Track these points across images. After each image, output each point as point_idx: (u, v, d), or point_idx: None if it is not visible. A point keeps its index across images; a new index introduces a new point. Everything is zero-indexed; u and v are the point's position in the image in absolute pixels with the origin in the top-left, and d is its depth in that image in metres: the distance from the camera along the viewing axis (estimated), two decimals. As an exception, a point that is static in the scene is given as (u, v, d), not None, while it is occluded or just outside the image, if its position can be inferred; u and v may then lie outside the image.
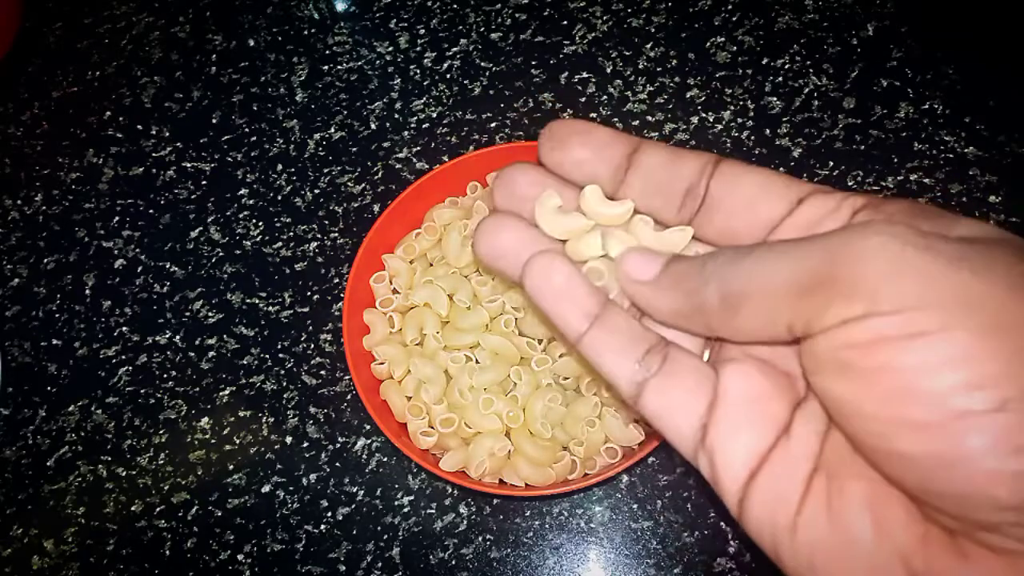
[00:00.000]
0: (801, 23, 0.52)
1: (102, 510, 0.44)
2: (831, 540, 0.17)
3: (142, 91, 0.57)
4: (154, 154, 0.55)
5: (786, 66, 0.51)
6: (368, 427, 0.43)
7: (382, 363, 0.41)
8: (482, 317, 0.41)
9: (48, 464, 0.45)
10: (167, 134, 0.55)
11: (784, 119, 0.49)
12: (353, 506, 0.42)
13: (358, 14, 0.58)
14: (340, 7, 0.59)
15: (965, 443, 0.14)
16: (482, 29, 0.55)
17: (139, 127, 0.56)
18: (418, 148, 0.52)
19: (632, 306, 0.21)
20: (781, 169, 0.47)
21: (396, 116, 0.53)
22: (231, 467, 0.44)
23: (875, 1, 0.52)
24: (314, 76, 0.56)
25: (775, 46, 0.51)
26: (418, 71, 0.55)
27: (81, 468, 0.45)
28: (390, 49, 0.56)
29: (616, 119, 0.50)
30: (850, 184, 0.46)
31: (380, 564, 0.40)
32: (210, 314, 0.48)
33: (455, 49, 0.55)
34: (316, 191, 0.51)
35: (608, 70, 0.52)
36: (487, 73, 0.54)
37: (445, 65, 0.54)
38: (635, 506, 0.40)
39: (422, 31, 0.56)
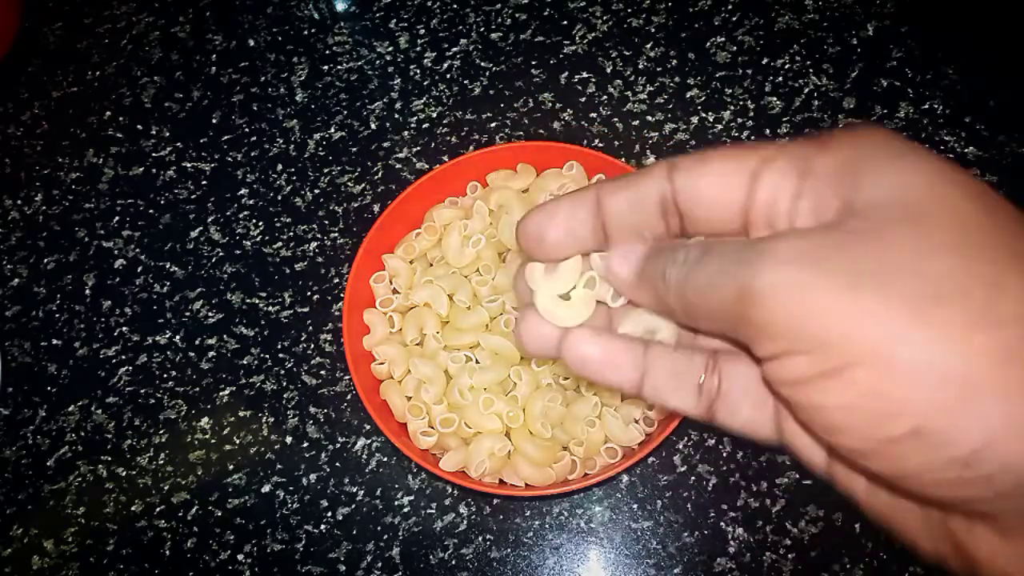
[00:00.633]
0: (801, 23, 0.52)
1: (102, 510, 0.44)
2: (895, 504, 0.18)
3: (142, 91, 0.57)
4: (154, 154, 0.55)
5: (786, 66, 0.51)
6: (368, 427, 0.43)
7: (382, 363, 0.41)
8: (482, 317, 0.41)
9: (48, 464, 0.45)
10: (167, 134, 0.55)
11: (784, 119, 0.49)
12: (353, 506, 0.42)
13: (358, 14, 0.58)
14: (340, 7, 0.59)
15: (903, 464, 0.15)
16: (482, 29, 0.55)
17: (139, 127, 0.56)
18: (418, 148, 0.52)
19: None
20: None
21: (396, 116, 0.53)
22: (231, 467, 0.44)
23: (875, 1, 0.52)
24: (314, 76, 0.56)
25: (775, 46, 0.51)
26: (418, 71, 0.55)
27: (81, 468, 0.45)
28: (390, 49, 0.56)
29: (616, 119, 0.50)
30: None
31: (380, 564, 0.40)
32: (210, 314, 0.48)
33: (455, 49, 0.55)
34: (316, 191, 0.51)
35: (608, 70, 0.52)
36: (487, 73, 0.54)
37: (445, 65, 0.54)
38: (635, 506, 0.40)
39: (422, 31, 0.56)
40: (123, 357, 0.48)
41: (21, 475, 0.45)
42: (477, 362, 0.41)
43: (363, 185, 0.51)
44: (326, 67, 0.56)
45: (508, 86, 0.53)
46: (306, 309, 0.47)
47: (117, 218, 0.53)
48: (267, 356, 0.46)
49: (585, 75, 0.52)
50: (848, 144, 0.17)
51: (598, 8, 0.55)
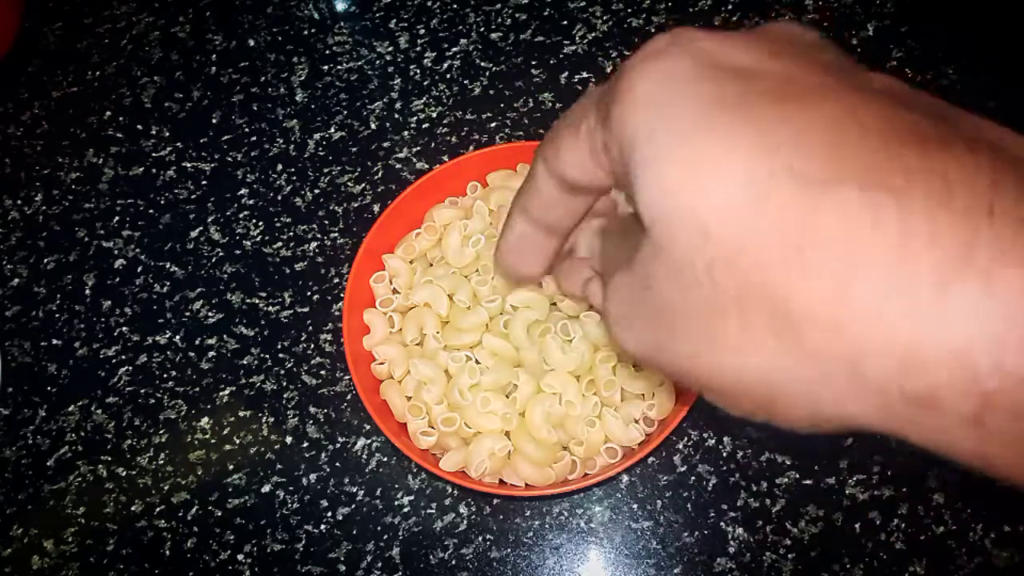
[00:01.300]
0: (801, 23, 0.52)
1: (102, 510, 0.44)
2: None
3: (142, 91, 0.57)
4: (154, 154, 0.55)
5: (786, 66, 0.51)
6: (368, 427, 0.43)
7: (382, 363, 0.41)
8: (482, 317, 0.41)
9: (48, 464, 0.45)
10: (167, 134, 0.55)
11: (784, 119, 0.49)
12: (353, 506, 0.42)
13: (358, 14, 0.58)
14: (340, 7, 0.59)
15: None
16: (482, 29, 0.55)
17: (139, 127, 0.56)
18: (418, 148, 0.52)
19: None
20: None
21: (396, 116, 0.53)
22: (231, 467, 0.44)
23: (875, 1, 0.52)
24: (314, 76, 0.56)
25: (775, 46, 0.51)
26: (418, 71, 0.55)
27: (81, 468, 0.45)
28: (390, 49, 0.56)
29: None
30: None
31: (380, 564, 0.40)
32: (210, 314, 0.48)
33: (455, 49, 0.55)
34: (316, 191, 0.51)
35: (608, 70, 0.52)
36: (487, 73, 0.54)
37: (445, 65, 0.54)
38: (635, 506, 0.40)
39: (422, 31, 0.56)
40: (123, 357, 0.48)
41: (21, 475, 0.45)
42: (477, 362, 0.41)
43: (363, 185, 0.51)
44: (326, 67, 0.56)
45: (508, 86, 0.53)
46: (306, 309, 0.47)
47: (117, 218, 0.53)
48: (267, 356, 0.46)
49: (585, 75, 0.52)
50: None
51: (598, 8, 0.55)
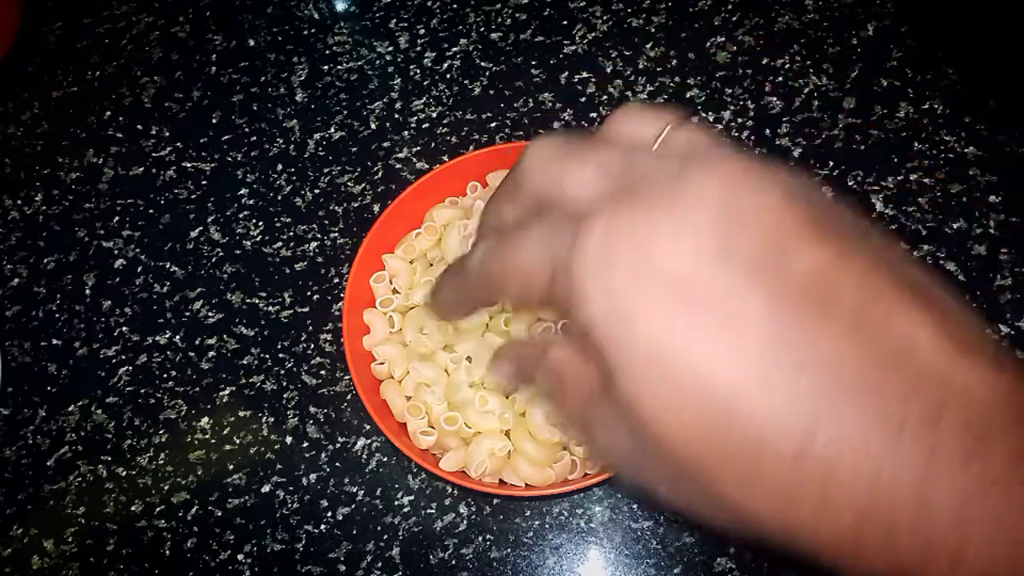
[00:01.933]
0: (801, 23, 0.52)
1: (102, 510, 0.44)
2: None
3: (142, 91, 0.57)
4: (154, 154, 0.55)
5: (786, 66, 0.51)
6: (368, 427, 0.43)
7: (382, 363, 0.41)
8: (482, 316, 0.41)
9: (48, 464, 0.45)
10: (167, 134, 0.55)
11: (784, 119, 0.49)
12: (353, 506, 0.42)
13: (358, 14, 0.58)
14: (340, 7, 0.59)
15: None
16: (482, 29, 0.55)
17: (139, 127, 0.56)
18: (418, 148, 0.52)
19: None
20: (781, 169, 0.47)
21: (396, 116, 0.53)
22: (231, 467, 0.44)
23: (875, 1, 0.52)
24: (314, 76, 0.56)
25: (775, 46, 0.51)
26: (418, 71, 0.55)
27: (81, 468, 0.45)
28: (390, 49, 0.56)
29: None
30: (850, 184, 0.46)
31: (380, 564, 0.40)
32: (210, 314, 0.48)
33: (455, 49, 0.55)
34: (316, 191, 0.51)
35: (608, 70, 0.52)
36: (487, 73, 0.54)
37: (445, 65, 0.54)
38: (635, 506, 0.40)
39: (422, 31, 0.56)
40: (123, 357, 0.48)
41: (21, 475, 0.45)
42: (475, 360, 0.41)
43: (363, 185, 0.51)
44: (326, 67, 0.56)
45: (508, 86, 0.53)
46: (306, 309, 0.47)
47: (117, 218, 0.53)
48: (267, 356, 0.46)
49: (585, 75, 0.52)
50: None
51: (598, 8, 0.55)
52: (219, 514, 0.42)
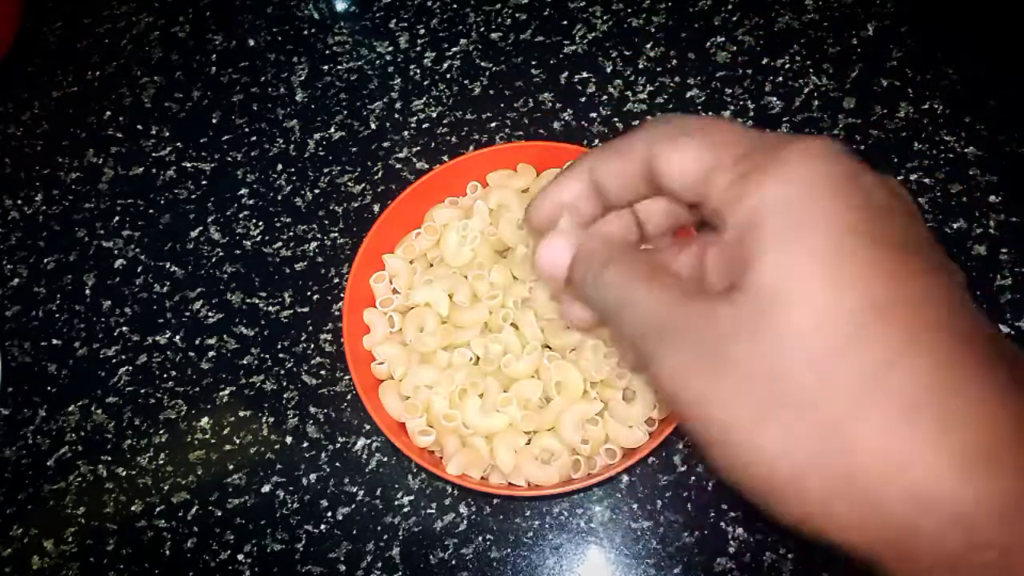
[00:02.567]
0: (801, 23, 0.52)
1: (102, 510, 0.44)
2: None
3: (142, 91, 0.57)
4: (154, 154, 0.55)
5: (786, 66, 0.51)
6: (368, 427, 0.43)
7: (382, 363, 0.41)
8: (482, 314, 0.41)
9: (48, 464, 0.45)
10: (167, 134, 0.55)
11: (784, 119, 0.49)
12: (353, 506, 0.42)
13: (358, 14, 0.58)
14: (340, 7, 0.59)
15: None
16: (482, 29, 0.55)
17: (139, 127, 0.56)
18: (418, 148, 0.52)
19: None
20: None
21: (396, 116, 0.53)
22: (231, 467, 0.44)
23: (875, 1, 0.52)
24: (314, 76, 0.56)
25: (775, 46, 0.51)
26: (418, 71, 0.55)
27: (81, 468, 0.45)
28: (390, 49, 0.56)
29: (616, 119, 0.50)
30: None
31: (380, 564, 0.40)
32: (210, 314, 0.48)
33: (455, 49, 0.55)
34: (316, 191, 0.51)
35: (608, 70, 0.52)
36: (487, 73, 0.54)
37: (445, 65, 0.54)
38: (635, 506, 0.40)
39: (422, 31, 0.56)
40: (123, 357, 0.48)
41: (21, 475, 0.45)
42: (478, 361, 0.41)
43: (363, 185, 0.51)
44: (326, 67, 0.56)
45: (508, 86, 0.53)
46: (306, 309, 0.47)
47: (117, 218, 0.53)
48: (267, 356, 0.46)
49: (585, 75, 0.52)
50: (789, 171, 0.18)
51: (598, 8, 0.55)
52: (219, 514, 0.42)
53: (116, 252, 0.51)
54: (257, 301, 0.48)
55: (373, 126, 0.53)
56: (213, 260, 0.50)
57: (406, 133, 0.52)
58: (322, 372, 0.45)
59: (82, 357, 0.48)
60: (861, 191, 0.16)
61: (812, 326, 0.15)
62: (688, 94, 0.51)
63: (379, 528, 0.41)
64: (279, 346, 0.46)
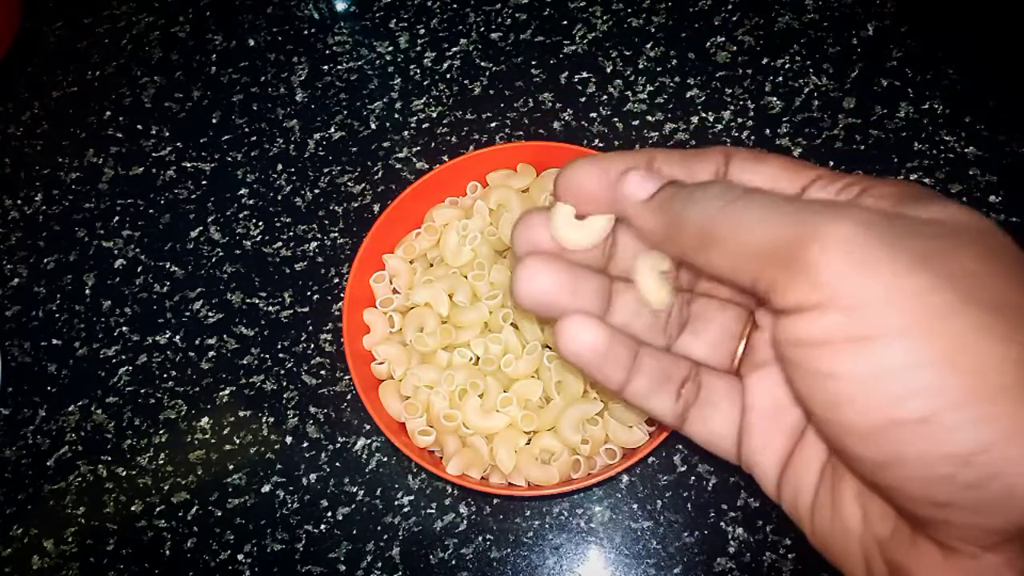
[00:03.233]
0: (801, 23, 0.52)
1: (102, 510, 0.44)
2: (835, 525, 0.19)
3: (142, 91, 0.57)
4: (154, 154, 0.55)
5: (786, 66, 0.51)
6: (368, 427, 0.43)
7: (382, 363, 0.41)
8: (482, 314, 0.41)
9: (48, 464, 0.45)
10: (167, 134, 0.55)
11: (784, 119, 0.49)
12: (353, 506, 0.42)
13: (358, 14, 0.58)
14: (340, 7, 0.59)
15: (899, 449, 0.15)
16: (482, 29, 0.55)
17: (139, 127, 0.56)
18: (418, 148, 0.52)
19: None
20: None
21: (396, 116, 0.53)
22: (231, 467, 0.44)
23: (875, 1, 0.52)
24: (314, 76, 0.56)
25: (775, 46, 0.51)
26: (418, 71, 0.55)
27: (81, 468, 0.45)
28: (390, 49, 0.56)
29: (616, 119, 0.50)
30: (850, 184, 0.46)
31: (380, 564, 0.40)
32: (210, 314, 0.48)
33: (455, 49, 0.55)
34: (316, 191, 0.51)
35: (608, 70, 0.52)
36: (487, 73, 0.54)
37: (445, 65, 0.54)
38: (635, 506, 0.40)
39: (422, 31, 0.56)
40: (123, 357, 0.48)
41: (21, 475, 0.45)
42: (478, 360, 0.41)
43: (363, 185, 0.51)
44: (326, 67, 0.56)
45: (508, 86, 0.53)
46: (306, 309, 0.47)
47: (117, 218, 0.53)
48: (267, 356, 0.46)
49: (585, 75, 0.52)
50: (894, 183, 0.17)
51: (598, 8, 0.55)
52: (219, 514, 0.42)
53: (116, 252, 0.51)
54: (257, 301, 0.48)
55: (373, 126, 0.53)
56: (213, 260, 0.50)
57: (406, 133, 0.52)
58: (322, 372, 0.45)
59: (82, 357, 0.48)
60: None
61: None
62: (688, 94, 0.51)
63: (379, 528, 0.41)
64: (279, 346, 0.46)
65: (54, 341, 0.49)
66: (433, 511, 0.41)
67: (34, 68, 0.60)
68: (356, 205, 0.50)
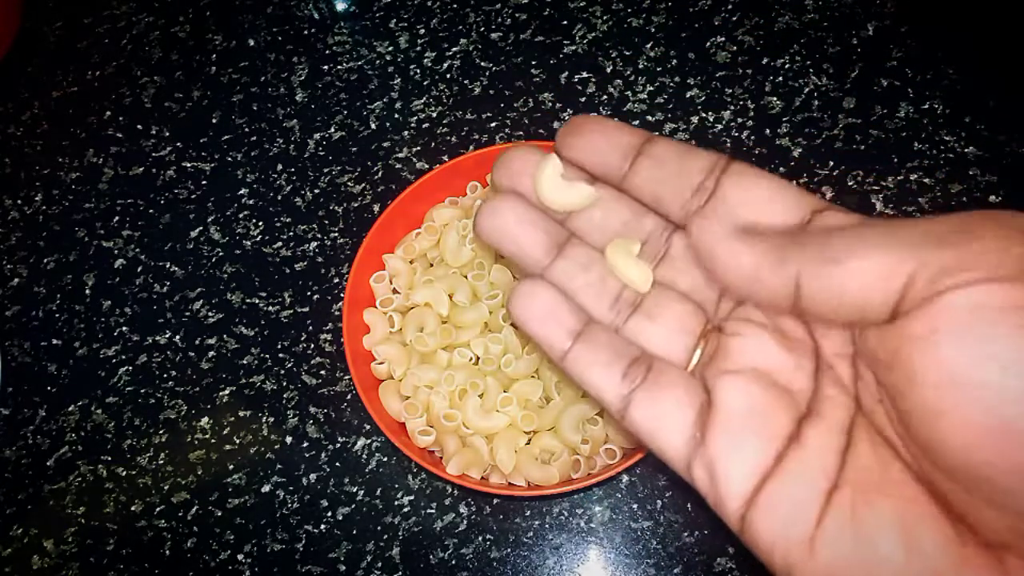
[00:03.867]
0: (801, 23, 0.52)
1: (102, 510, 0.44)
2: (856, 557, 0.16)
3: (142, 91, 0.57)
4: (154, 154, 0.55)
5: (786, 66, 0.51)
6: (368, 427, 0.43)
7: (382, 363, 0.41)
8: (482, 314, 0.41)
9: (48, 464, 0.45)
10: (167, 134, 0.55)
11: (784, 119, 0.49)
12: (353, 506, 0.42)
13: (358, 14, 0.58)
14: (340, 7, 0.59)
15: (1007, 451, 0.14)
16: (482, 29, 0.55)
17: (139, 127, 0.56)
18: (418, 148, 0.52)
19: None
20: (781, 169, 0.47)
21: (396, 116, 0.53)
22: (231, 467, 0.44)
23: (875, 1, 0.52)
24: (314, 76, 0.56)
25: (775, 46, 0.51)
26: (418, 71, 0.55)
27: (81, 468, 0.45)
28: (390, 49, 0.56)
29: (616, 119, 0.50)
30: (850, 184, 0.46)
31: (380, 564, 0.40)
32: (210, 314, 0.48)
33: (455, 49, 0.55)
34: (316, 191, 0.51)
35: (608, 70, 0.52)
36: (487, 73, 0.54)
37: (445, 65, 0.54)
38: (635, 506, 0.40)
39: (422, 31, 0.56)
40: (123, 357, 0.48)
41: (21, 475, 0.45)
42: (478, 361, 0.41)
43: (363, 185, 0.51)
44: (326, 67, 0.56)
45: (508, 86, 0.53)
46: (306, 309, 0.47)
47: (117, 218, 0.53)
48: (267, 356, 0.46)
49: (585, 75, 0.52)
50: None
51: (598, 8, 0.55)
52: (219, 514, 0.42)
53: (116, 252, 0.51)
54: (257, 301, 0.48)
55: (373, 126, 0.53)
56: (213, 260, 0.50)
57: (406, 133, 0.52)
58: (322, 372, 0.45)
59: (82, 357, 0.48)
60: None
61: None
62: (688, 94, 0.51)
63: (379, 528, 0.41)
64: (279, 346, 0.46)
65: (54, 341, 0.49)
66: (433, 511, 0.41)
67: (34, 68, 0.60)
68: (356, 205, 0.50)
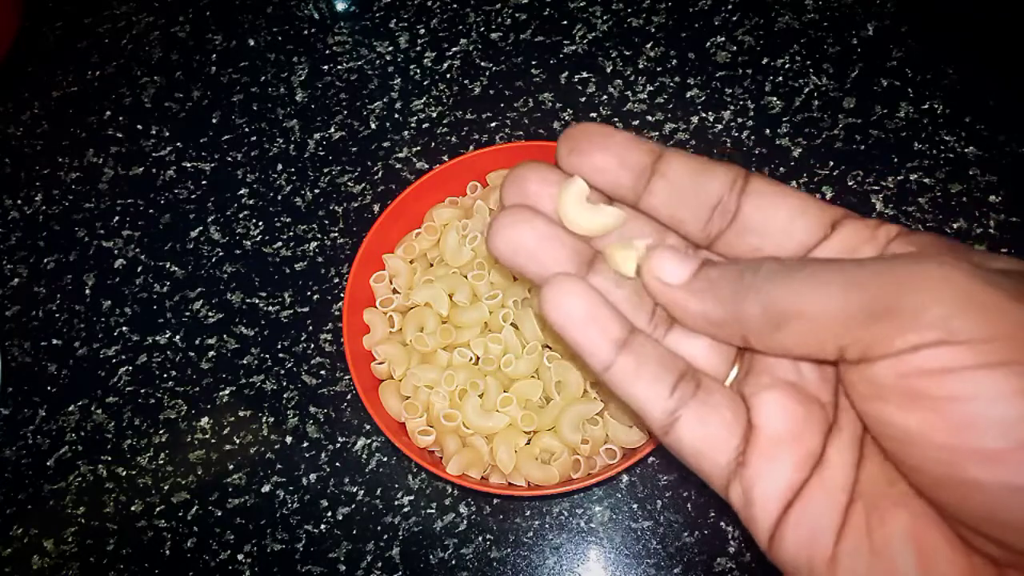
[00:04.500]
0: (801, 23, 0.52)
1: (102, 510, 0.44)
2: (873, 572, 0.16)
3: (142, 91, 0.57)
4: (154, 154, 0.55)
5: (786, 66, 0.51)
6: (368, 427, 0.43)
7: (382, 363, 0.41)
8: (482, 314, 0.41)
9: (48, 464, 0.45)
10: (167, 134, 0.55)
11: (784, 119, 0.49)
12: (353, 506, 0.42)
13: (358, 14, 0.58)
14: (340, 7, 0.59)
15: (998, 479, 0.14)
16: (482, 29, 0.55)
17: (139, 127, 0.56)
18: (418, 148, 0.52)
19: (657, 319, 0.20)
20: (781, 170, 0.47)
21: (396, 116, 0.53)
22: (231, 467, 0.44)
23: (875, 1, 0.52)
24: (314, 76, 0.56)
25: (775, 46, 0.51)
26: (418, 71, 0.55)
27: (81, 468, 0.45)
28: (390, 49, 0.56)
29: (616, 119, 0.50)
30: (850, 184, 0.46)
31: (380, 564, 0.40)
32: (210, 314, 0.48)
33: (455, 49, 0.55)
34: (316, 191, 0.51)
35: (608, 70, 0.52)
36: (487, 73, 0.54)
37: (445, 65, 0.54)
38: (635, 506, 0.40)
39: (422, 31, 0.56)
40: (123, 357, 0.48)
41: (21, 475, 0.45)
42: (478, 361, 0.41)
43: (363, 185, 0.51)
44: (326, 67, 0.56)
45: (508, 86, 0.53)
46: (306, 309, 0.47)
47: (117, 218, 0.53)
48: (267, 356, 0.46)
49: (585, 75, 0.52)
50: (929, 234, 0.17)
51: (598, 8, 0.55)
52: (219, 514, 0.42)
53: (116, 252, 0.51)
54: (257, 301, 0.48)
55: (373, 126, 0.53)
56: (213, 260, 0.50)
57: (406, 133, 0.52)
58: (322, 372, 0.45)
59: (82, 357, 0.48)
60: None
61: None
62: (688, 94, 0.51)
63: (379, 528, 0.41)
64: (279, 346, 0.46)
65: (54, 341, 0.49)
66: (433, 511, 0.41)
67: (34, 68, 0.60)
68: (356, 205, 0.50)
